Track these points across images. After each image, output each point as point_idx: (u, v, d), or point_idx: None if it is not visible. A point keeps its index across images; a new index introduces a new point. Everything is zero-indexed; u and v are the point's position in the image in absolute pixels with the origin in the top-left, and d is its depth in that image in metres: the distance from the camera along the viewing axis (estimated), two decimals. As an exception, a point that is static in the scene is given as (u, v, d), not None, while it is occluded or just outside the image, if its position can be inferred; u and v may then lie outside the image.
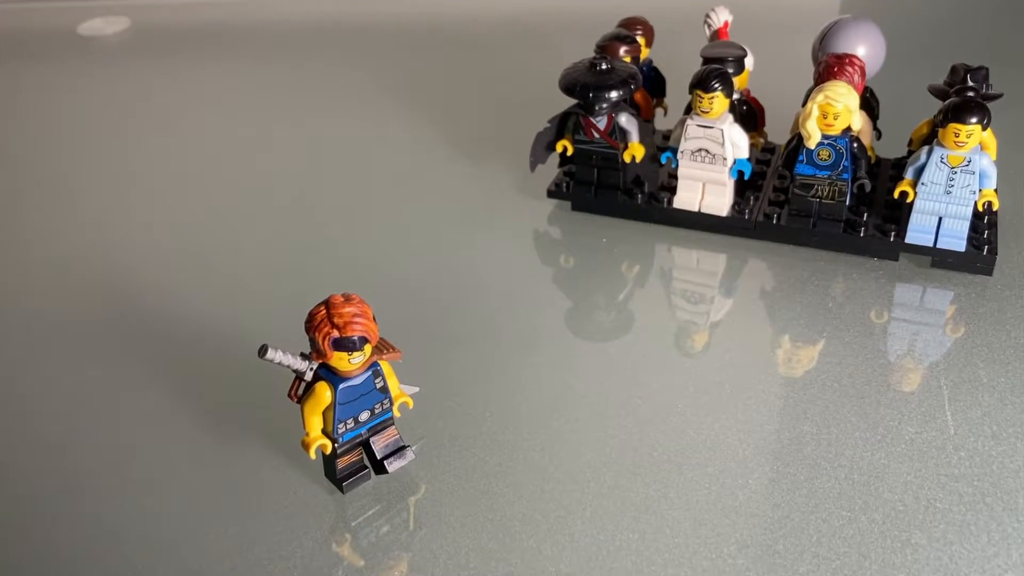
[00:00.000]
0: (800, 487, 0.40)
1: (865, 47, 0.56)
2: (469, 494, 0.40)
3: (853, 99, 0.51)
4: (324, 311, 0.35)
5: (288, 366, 0.36)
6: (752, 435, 0.43)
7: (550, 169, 0.61)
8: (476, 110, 0.77)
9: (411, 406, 0.39)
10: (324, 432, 0.38)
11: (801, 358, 0.48)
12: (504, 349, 0.49)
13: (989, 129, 0.50)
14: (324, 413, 0.37)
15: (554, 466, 0.41)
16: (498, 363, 0.48)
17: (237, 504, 0.40)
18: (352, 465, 0.40)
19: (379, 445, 0.39)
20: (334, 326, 0.35)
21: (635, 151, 0.56)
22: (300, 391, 0.38)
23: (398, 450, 0.39)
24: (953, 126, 0.48)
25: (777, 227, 0.55)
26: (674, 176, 0.57)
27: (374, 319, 0.36)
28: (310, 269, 0.56)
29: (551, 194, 0.60)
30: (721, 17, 0.62)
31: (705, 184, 0.56)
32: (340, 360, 0.36)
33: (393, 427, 0.39)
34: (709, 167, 0.55)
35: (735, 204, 0.57)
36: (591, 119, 0.56)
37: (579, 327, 0.51)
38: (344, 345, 0.35)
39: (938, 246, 0.52)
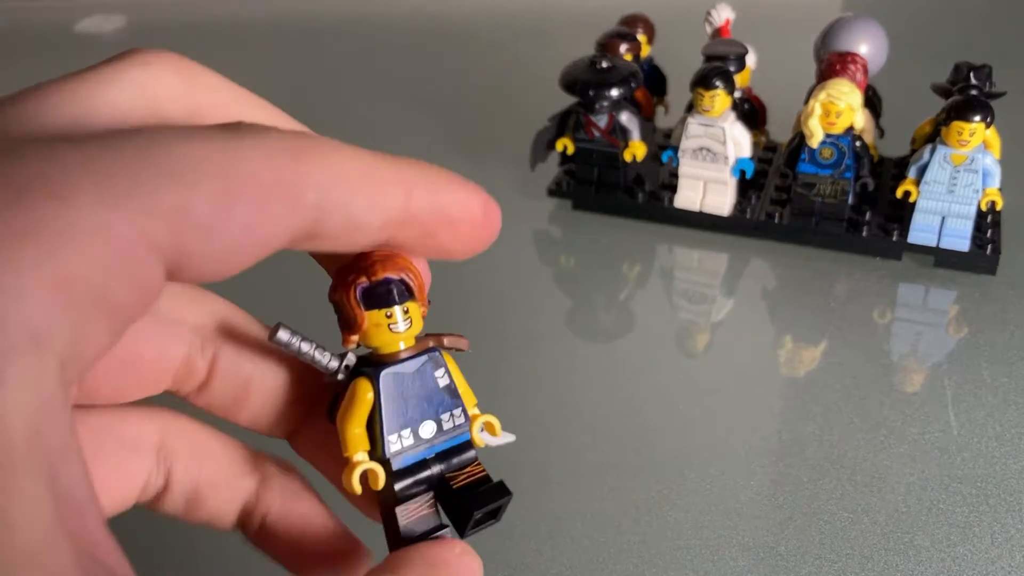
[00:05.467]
0: (802, 488, 0.39)
1: (867, 45, 0.56)
2: (469, 495, 0.40)
3: (855, 97, 0.50)
4: (351, 263, 0.25)
5: (308, 356, 0.25)
6: (754, 436, 0.42)
7: (550, 168, 0.61)
8: (476, 109, 0.76)
9: (497, 434, 0.27)
10: (372, 457, 0.25)
11: (803, 358, 0.47)
12: (504, 349, 0.48)
13: (993, 127, 0.49)
14: (371, 428, 0.25)
15: (554, 467, 0.41)
16: (498, 363, 0.47)
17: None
18: (423, 522, 0.25)
19: (461, 483, 0.26)
20: (362, 272, 0.24)
21: (636, 150, 0.56)
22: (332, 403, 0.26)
23: (493, 496, 0.25)
24: (956, 124, 0.48)
25: (779, 226, 0.55)
26: (675, 175, 0.57)
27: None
28: (309, 269, 0.56)
29: (552, 193, 0.60)
30: (722, 15, 0.62)
31: (706, 183, 0.56)
32: (378, 330, 0.25)
33: (477, 462, 0.26)
34: (711, 166, 0.55)
35: (737, 203, 0.56)
36: (592, 117, 0.56)
37: (579, 327, 0.50)
38: (378, 296, 0.24)
39: (941, 245, 0.52)
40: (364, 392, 0.25)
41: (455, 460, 0.26)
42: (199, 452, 0.24)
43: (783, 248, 0.55)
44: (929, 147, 0.50)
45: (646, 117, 0.60)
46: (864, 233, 0.53)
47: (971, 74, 0.51)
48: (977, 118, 0.48)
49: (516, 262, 0.56)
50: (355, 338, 0.25)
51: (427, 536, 0.25)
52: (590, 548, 0.37)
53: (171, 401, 0.24)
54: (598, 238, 0.57)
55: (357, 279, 0.24)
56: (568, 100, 0.56)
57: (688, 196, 0.56)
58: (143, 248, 0.16)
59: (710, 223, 0.57)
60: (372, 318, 0.25)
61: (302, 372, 0.25)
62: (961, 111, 0.48)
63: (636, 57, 0.59)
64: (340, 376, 0.25)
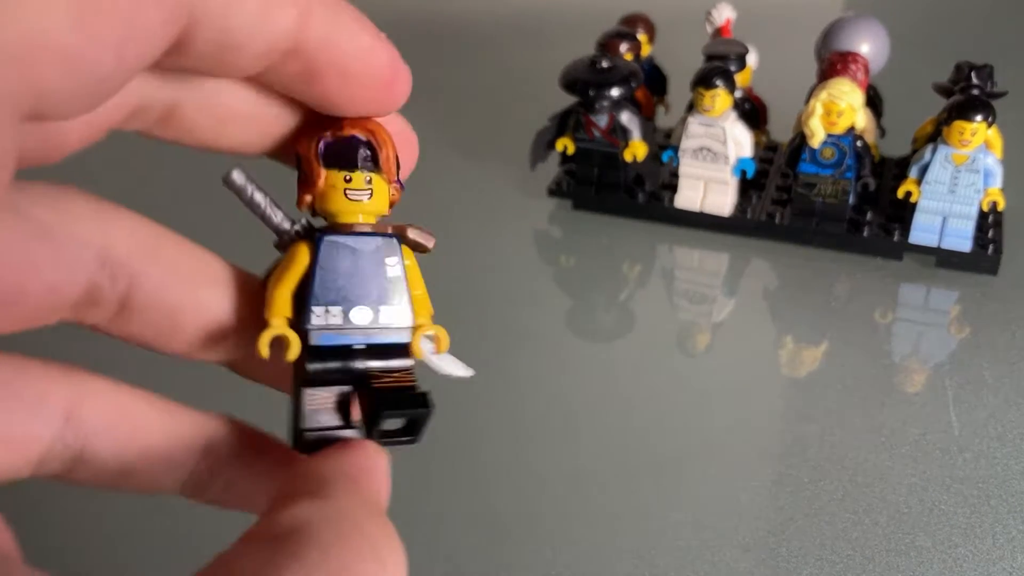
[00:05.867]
0: (803, 489, 0.39)
1: (869, 44, 0.55)
2: (468, 496, 0.40)
3: (857, 97, 0.50)
4: (323, 118, 0.23)
5: (260, 208, 0.23)
6: (755, 437, 0.42)
7: (550, 168, 0.60)
8: (476, 109, 0.76)
9: (442, 349, 0.23)
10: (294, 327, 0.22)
11: (804, 359, 0.47)
12: (504, 349, 0.48)
13: (995, 127, 0.49)
14: (300, 298, 0.22)
15: (554, 468, 0.41)
16: (498, 363, 0.47)
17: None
18: (330, 416, 0.22)
19: (385, 385, 0.22)
20: (328, 127, 0.22)
21: (636, 149, 0.56)
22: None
23: (408, 404, 0.22)
24: (958, 124, 0.48)
25: (780, 226, 0.55)
26: (676, 175, 0.57)
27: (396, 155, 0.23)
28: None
29: (552, 193, 0.60)
30: (723, 14, 0.62)
31: (707, 183, 0.56)
32: (334, 193, 0.22)
33: (411, 372, 0.23)
34: (711, 165, 0.55)
35: (737, 203, 0.56)
36: (592, 117, 0.55)
37: (579, 327, 0.50)
38: (339, 153, 0.22)
39: (943, 245, 0.52)
40: (301, 255, 0.22)
41: (386, 363, 0.22)
42: (123, 419, 0.20)
43: (784, 248, 0.55)
44: (930, 147, 0.50)
45: (646, 117, 0.60)
46: (865, 233, 0.53)
47: (972, 74, 0.51)
48: (979, 117, 0.48)
49: (516, 262, 0.56)
50: (309, 198, 0.23)
51: (331, 432, 0.22)
52: (590, 548, 0.37)
53: (87, 359, 0.21)
54: (598, 238, 0.57)
55: (322, 133, 0.22)
56: (568, 100, 0.56)
57: (689, 196, 0.56)
58: None
59: (711, 223, 0.56)
60: (330, 178, 0.22)
61: (245, 295, 0.22)
62: (962, 110, 0.48)
63: (636, 57, 0.59)
64: (286, 230, 0.23)
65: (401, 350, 0.22)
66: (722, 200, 0.56)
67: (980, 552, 0.36)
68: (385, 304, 0.22)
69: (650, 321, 0.51)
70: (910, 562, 0.36)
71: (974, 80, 0.51)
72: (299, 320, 0.21)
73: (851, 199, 0.53)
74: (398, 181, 0.23)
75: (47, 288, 0.19)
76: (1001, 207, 0.50)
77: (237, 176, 0.22)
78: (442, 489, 0.40)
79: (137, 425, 0.21)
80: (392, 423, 0.22)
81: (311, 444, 0.21)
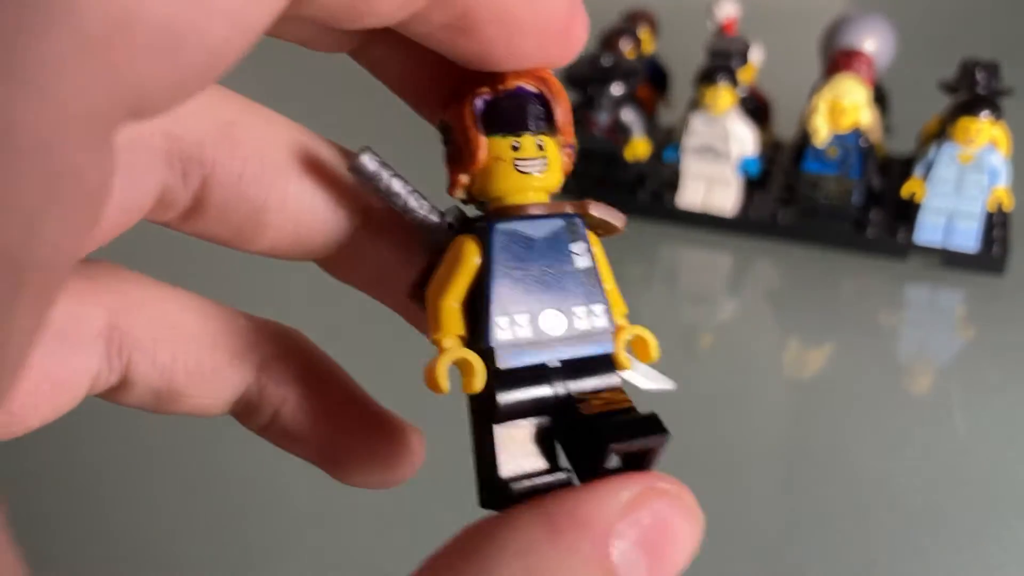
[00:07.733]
0: (807, 492, 0.39)
1: (874, 41, 0.55)
2: (467, 498, 0.39)
3: (861, 94, 0.50)
4: (471, 74, 0.18)
5: (399, 199, 0.18)
6: (757, 439, 0.42)
7: (552, 166, 0.60)
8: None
9: (650, 357, 0.19)
10: (471, 347, 0.17)
11: (808, 359, 0.47)
12: (504, 349, 0.48)
13: (1001, 126, 0.49)
14: (473, 309, 0.17)
15: (554, 469, 0.40)
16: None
17: (244, 504, 0.39)
18: (531, 459, 0.17)
19: (595, 410, 0.17)
20: (486, 81, 0.18)
21: (637, 148, 0.55)
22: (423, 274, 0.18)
23: (639, 429, 0.17)
24: (963, 122, 0.48)
25: (783, 226, 0.54)
26: (678, 173, 0.56)
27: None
28: (306, 270, 0.56)
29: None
30: (725, 11, 0.61)
31: (710, 181, 0.55)
32: (500, 166, 0.17)
33: (621, 390, 0.18)
34: (714, 164, 0.54)
35: (741, 202, 0.56)
36: (593, 115, 0.55)
37: (581, 327, 0.50)
38: (505, 114, 0.17)
39: (948, 245, 0.51)
40: (469, 253, 0.17)
41: (588, 381, 0.17)
42: (168, 335, 0.18)
43: (788, 248, 0.55)
44: (936, 145, 0.50)
45: (649, 114, 0.60)
46: (870, 233, 0.53)
47: (978, 71, 0.51)
48: (984, 115, 0.47)
49: (517, 261, 0.55)
50: (466, 179, 0.18)
51: (541, 479, 0.16)
52: (590, 552, 0.37)
53: (125, 260, 0.18)
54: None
55: (478, 90, 0.17)
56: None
57: (691, 195, 0.56)
58: None
59: (713, 222, 0.56)
60: (494, 147, 0.17)
61: (341, 188, 0.18)
62: (967, 108, 0.47)
63: (639, 54, 0.59)
64: (433, 219, 0.18)
65: (603, 363, 0.18)
66: (725, 199, 0.55)
67: (985, 555, 0.36)
68: (579, 305, 0.17)
69: (652, 321, 0.50)
70: (915, 565, 0.36)
71: (980, 78, 0.50)
72: (477, 338, 0.17)
73: (856, 198, 0.52)
74: (571, 145, 0.18)
75: (117, 211, 0.15)
76: (1008, 206, 0.50)
77: (368, 161, 0.17)
78: (439, 491, 0.40)
79: (183, 336, 0.18)
80: (616, 460, 0.16)
81: (519, 497, 0.16)
